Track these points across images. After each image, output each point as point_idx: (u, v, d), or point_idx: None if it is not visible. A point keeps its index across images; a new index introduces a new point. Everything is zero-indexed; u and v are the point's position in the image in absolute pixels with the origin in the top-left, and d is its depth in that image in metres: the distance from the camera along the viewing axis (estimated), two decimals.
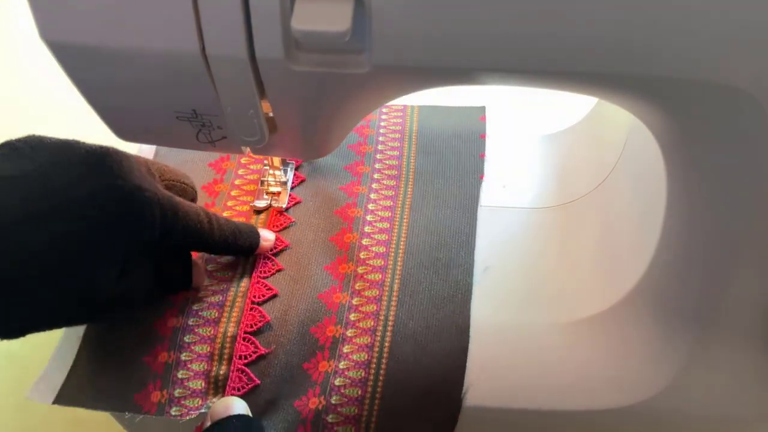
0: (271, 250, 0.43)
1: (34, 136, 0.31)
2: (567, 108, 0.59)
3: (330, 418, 0.37)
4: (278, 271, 0.42)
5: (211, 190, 0.47)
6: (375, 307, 0.41)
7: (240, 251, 0.41)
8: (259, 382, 0.38)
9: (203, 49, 0.25)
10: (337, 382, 0.38)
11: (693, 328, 0.36)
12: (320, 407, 0.37)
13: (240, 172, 0.48)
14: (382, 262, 0.43)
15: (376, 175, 0.48)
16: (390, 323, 0.40)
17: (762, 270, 0.32)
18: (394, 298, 0.41)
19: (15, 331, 0.30)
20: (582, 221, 0.45)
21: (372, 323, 0.40)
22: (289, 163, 0.48)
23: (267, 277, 0.42)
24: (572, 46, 0.24)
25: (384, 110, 0.53)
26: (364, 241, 0.44)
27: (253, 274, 0.42)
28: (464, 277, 0.42)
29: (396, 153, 0.50)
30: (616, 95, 0.30)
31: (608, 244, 0.42)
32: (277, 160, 0.45)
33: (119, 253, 0.32)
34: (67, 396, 0.37)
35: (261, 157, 0.48)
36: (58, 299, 0.30)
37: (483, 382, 0.37)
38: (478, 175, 0.48)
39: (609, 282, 0.40)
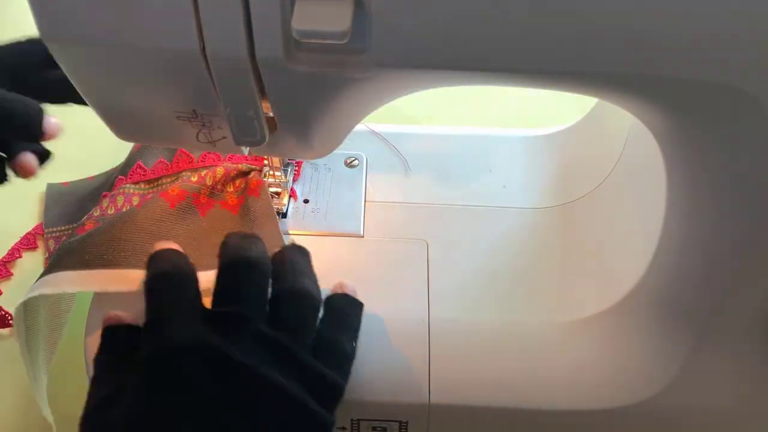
0: None
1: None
2: (567, 108, 0.59)
3: None
4: None
5: None
6: None
7: None
8: None
9: (203, 48, 0.25)
10: None
11: (693, 328, 0.36)
12: None
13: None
14: None
15: None
16: None
17: (762, 270, 0.32)
18: None
19: None
20: (582, 221, 0.45)
21: None
22: (289, 163, 0.48)
23: None
24: (572, 46, 0.24)
25: None
26: None
27: None
28: None
29: None
30: (617, 95, 0.30)
31: (608, 244, 0.42)
32: (277, 160, 0.45)
33: None
34: None
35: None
36: None
37: (482, 381, 0.37)
38: None
39: (609, 282, 0.40)
